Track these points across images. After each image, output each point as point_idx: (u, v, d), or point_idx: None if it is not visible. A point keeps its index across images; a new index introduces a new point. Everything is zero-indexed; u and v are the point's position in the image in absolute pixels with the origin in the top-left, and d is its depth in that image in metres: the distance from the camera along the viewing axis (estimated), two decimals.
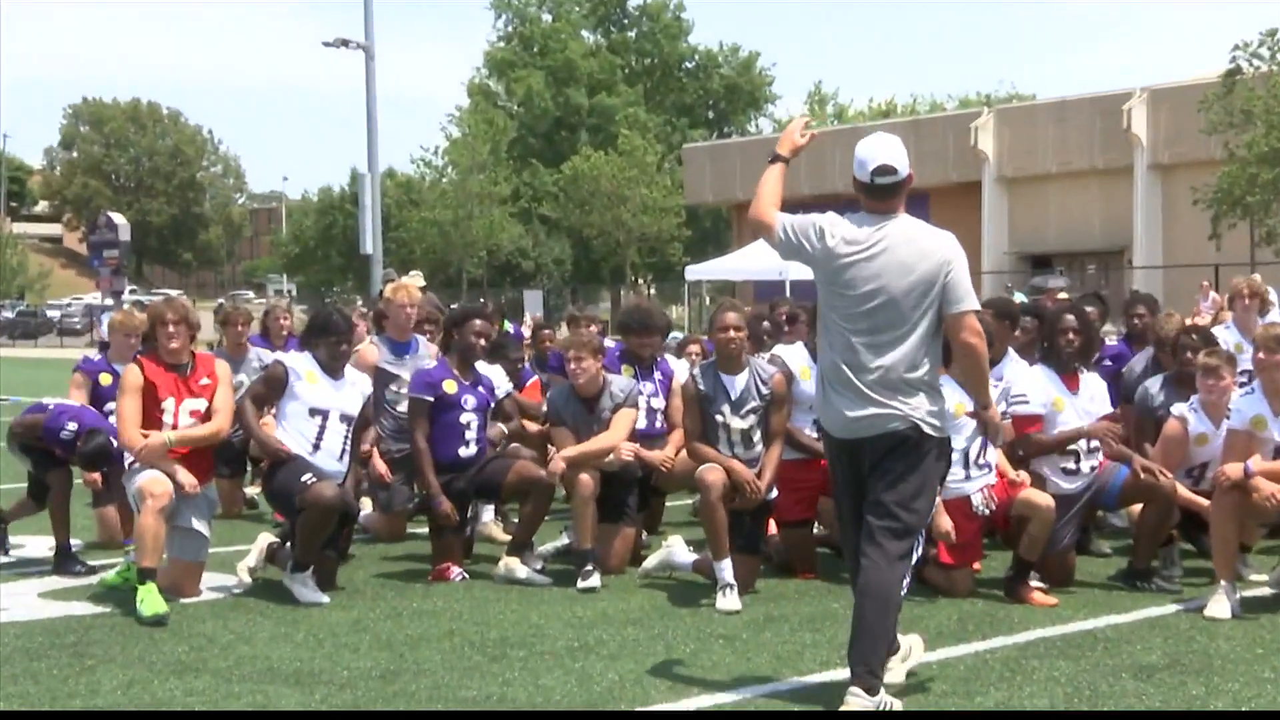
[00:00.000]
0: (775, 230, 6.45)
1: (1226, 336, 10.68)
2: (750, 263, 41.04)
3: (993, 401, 6.63)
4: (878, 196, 6.34)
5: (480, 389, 9.40)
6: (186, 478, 8.40)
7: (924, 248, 6.26)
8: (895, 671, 6.43)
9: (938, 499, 7.11)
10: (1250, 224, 38.60)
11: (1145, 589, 8.57)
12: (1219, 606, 7.85)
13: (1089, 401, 8.81)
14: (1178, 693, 6.36)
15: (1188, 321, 11.13)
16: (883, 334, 6.23)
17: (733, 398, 8.60)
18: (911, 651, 6.64)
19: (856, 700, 5.96)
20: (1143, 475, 8.60)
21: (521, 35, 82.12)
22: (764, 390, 8.64)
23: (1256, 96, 36.95)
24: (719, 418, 8.58)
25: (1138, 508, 8.93)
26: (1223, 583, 8.00)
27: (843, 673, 6.66)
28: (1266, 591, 8.49)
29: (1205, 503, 8.39)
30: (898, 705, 6.09)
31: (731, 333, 8.60)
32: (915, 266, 6.22)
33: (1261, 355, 8.36)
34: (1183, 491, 8.69)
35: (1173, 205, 45.46)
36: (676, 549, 9.02)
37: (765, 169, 6.59)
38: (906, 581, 6.18)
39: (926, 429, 6.22)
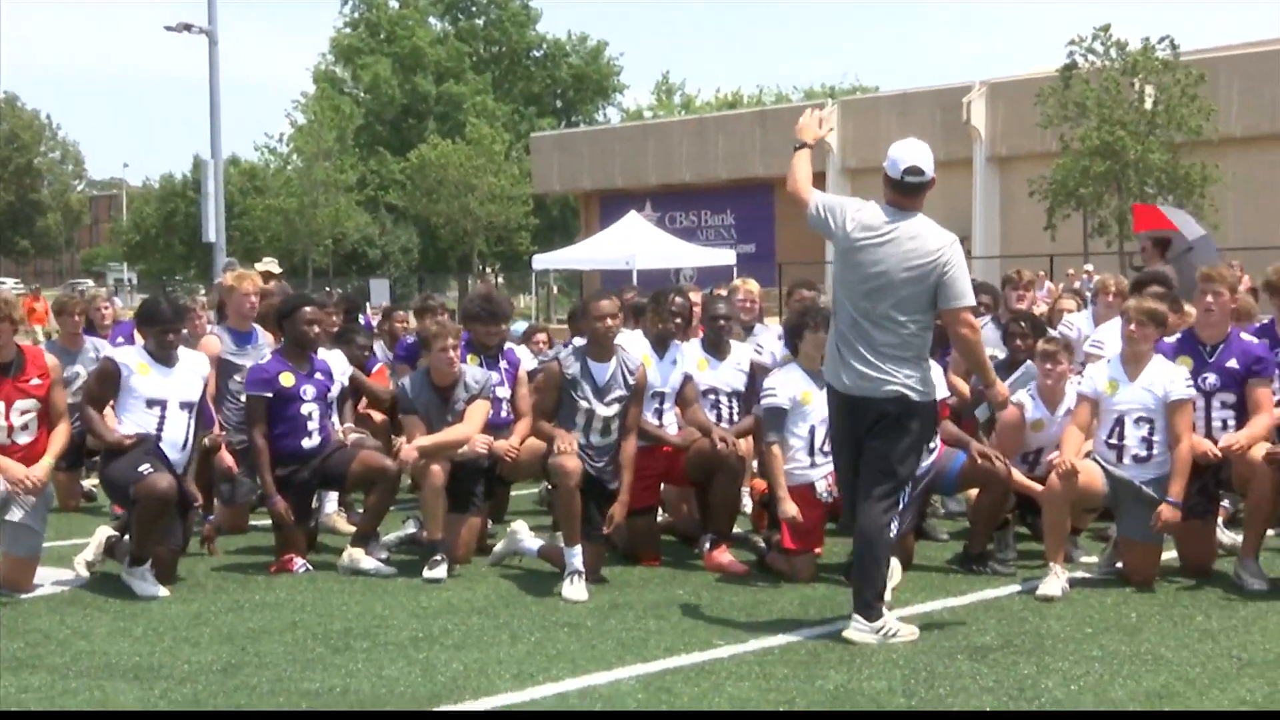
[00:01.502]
0: (809, 206, 7.39)
1: (1084, 326, 10.99)
2: (598, 252, 41.00)
3: (996, 379, 7.57)
4: (903, 193, 7.25)
5: (318, 376, 9.31)
6: (21, 471, 8.18)
7: (925, 246, 7.15)
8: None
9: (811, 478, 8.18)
10: (1084, 215, 39.44)
11: (981, 572, 8.74)
12: (1051, 588, 8.04)
13: None
14: (1010, 672, 6.51)
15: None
16: (879, 313, 7.14)
17: (599, 384, 8.63)
18: (892, 573, 7.65)
19: (857, 628, 7.08)
20: (979, 460, 8.78)
21: (369, 22, 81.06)
22: (630, 380, 8.68)
23: (1090, 91, 37.76)
24: (584, 403, 8.60)
25: (974, 492, 9.11)
26: (1054, 565, 8.20)
27: (686, 659, 6.78)
28: (1096, 574, 8.71)
29: (1040, 487, 8.59)
30: (905, 632, 7.10)
31: (608, 321, 8.63)
32: (914, 262, 7.11)
33: (1133, 328, 8.57)
34: (1018, 476, 8.88)
35: (1010, 197, 46.29)
36: (521, 535, 9.01)
37: (793, 155, 7.53)
38: (895, 526, 7.26)
39: (914, 396, 7.16)
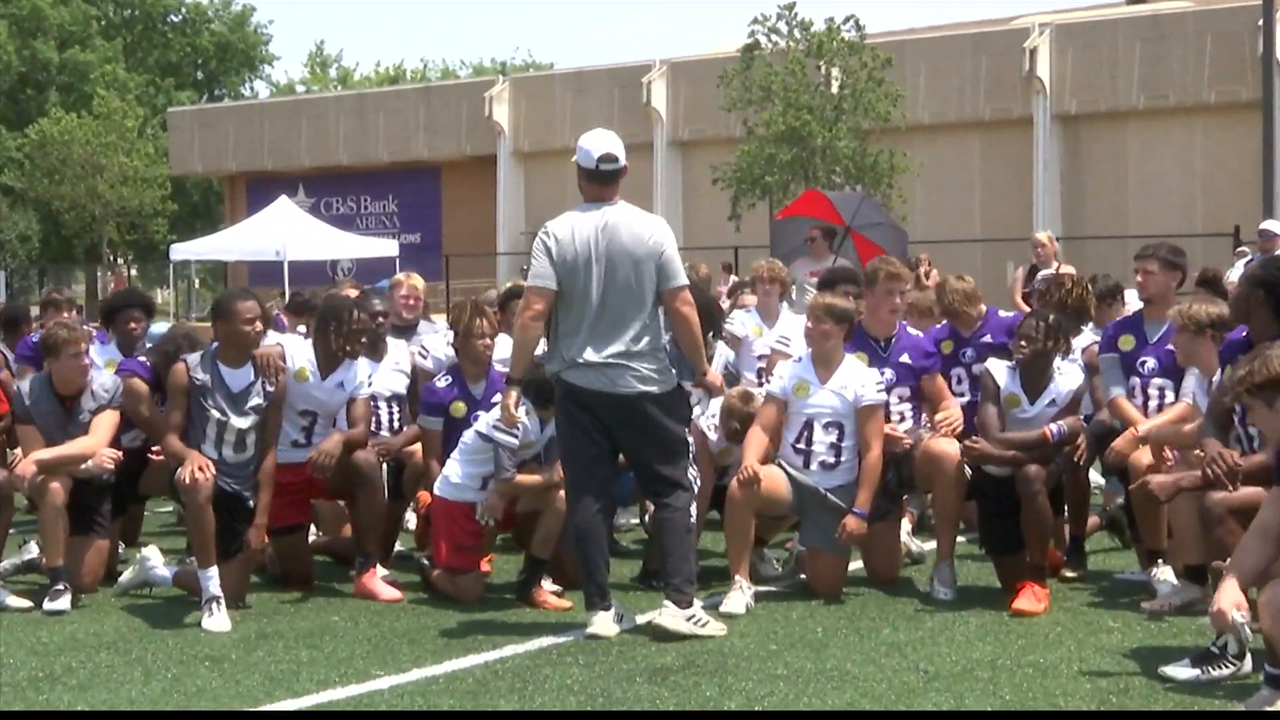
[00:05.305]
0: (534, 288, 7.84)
1: (747, 320, 11.31)
2: (244, 241, 39.96)
3: (709, 368, 8.16)
4: (601, 182, 7.90)
5: None
6: None
7: (638, 233, 7.78)
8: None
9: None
10: (770, 205, 40.21)
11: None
12: (734, 604, 8.22)
13: None
14: (692, 694, 6.64)
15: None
16: (611, 310, 7.66)
17: (233, 392, 8.42)
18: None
19: (670, 614, 7.61)
20: None
21: None
22: (269, 389, 8.49)
23: (774, 73, 38.61)
24: (215, 413, 8.38)
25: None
26: (738, 579, 8.38)
27: (342, 691, 6.73)
28: (780, 586, 8.94)
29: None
30: (714, 626, 7.69)
31: (243, 328, 8.42)
32: (634, 251, 7.71)
33: (810, 324, 8.84)
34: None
35: (693, 184, 47.11)
36: (153, 561, 8.75)
37: None
38: (694, 509, 7.86)
39: (655, 389, 7.69)
